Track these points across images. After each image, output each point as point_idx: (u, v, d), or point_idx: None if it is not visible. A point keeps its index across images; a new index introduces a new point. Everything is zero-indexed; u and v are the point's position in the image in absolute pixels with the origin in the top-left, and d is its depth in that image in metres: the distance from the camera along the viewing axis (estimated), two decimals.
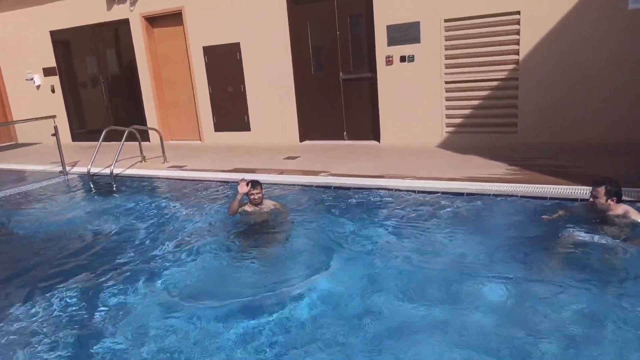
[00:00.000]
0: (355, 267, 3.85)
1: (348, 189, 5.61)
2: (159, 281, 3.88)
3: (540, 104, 6.82)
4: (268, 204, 4.96)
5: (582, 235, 3.84)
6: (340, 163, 6.91)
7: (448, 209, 4.80)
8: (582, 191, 4.63)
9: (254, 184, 4.82)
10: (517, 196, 4.79)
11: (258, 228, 4.70)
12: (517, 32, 6.74)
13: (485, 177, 5.49)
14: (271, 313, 3.24)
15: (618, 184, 3.97)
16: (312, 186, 5.87)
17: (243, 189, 4.70)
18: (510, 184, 5.09)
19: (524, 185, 5.01)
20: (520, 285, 3.36)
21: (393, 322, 3.08)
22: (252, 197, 4.80)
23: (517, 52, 6.81)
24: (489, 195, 4.91)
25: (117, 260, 4.32)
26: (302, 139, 8.85)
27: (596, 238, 3.78)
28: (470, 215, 4.64)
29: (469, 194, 5.02)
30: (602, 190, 3.92)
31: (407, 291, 3.43)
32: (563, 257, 3.68)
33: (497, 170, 5.71)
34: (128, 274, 4.03)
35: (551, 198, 4.64)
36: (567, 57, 6.53)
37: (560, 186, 4.86)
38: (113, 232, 5.12)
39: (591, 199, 4.02)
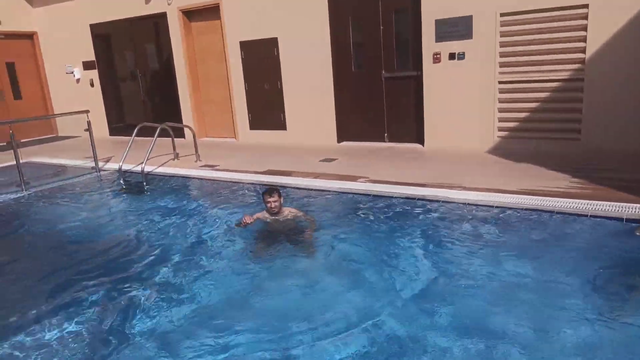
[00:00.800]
0: (388, 287, 3.42)
1: (389, 197, 5.12)
2: (177, 288, 3.61)
3: (608, 108, 6.09)
4: (288, 212, 4.54)
5: None
6: (380, 168, 6.40)
7: (503, 226, 4.23)
8: None
9: (271, 191, 4.44)
10: (587, 215, 4.16)
11: (276, 238, 4.30)
12: (584, 28, 6.03)
13: (546, 190, 4.86)
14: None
15: None
16: (349, 193, 5.41)
17: (247, 220, 4.39)
18: (577, 200, 4.45)
19: (594, 202, 4.36)
20: (595, 327, 2.79)
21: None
22: (268, 205, 4.41)
23: (583, 50, 6.09)
24: (553, 212, 4.29)
25: (134, 265, 4.07)
26: (340, 139, 8.39)
27: None
28: (529, 234, 4.05)
29: (527, 209, 4.42)
30: None
31: (456, 324, 2.93)
32: None
33: (560, 183, 5.07)
34: (145, 279, 3.81)
35: (628, 220, 3.99)
36: (638, 57, 5.79)
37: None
38: (135, 234, 4.86)
39: None
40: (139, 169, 6.98)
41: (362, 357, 2.70)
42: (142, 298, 3.51)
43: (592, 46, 6.03)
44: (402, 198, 5.05)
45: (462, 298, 3.23)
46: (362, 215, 4.82)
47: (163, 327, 3.14)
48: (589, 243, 3.82)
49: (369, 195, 5.25)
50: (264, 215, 4.52)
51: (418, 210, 4.79)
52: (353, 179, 5.90)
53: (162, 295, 3.53)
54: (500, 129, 6.88)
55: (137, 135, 7.32)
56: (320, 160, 7.12)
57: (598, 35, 5.96)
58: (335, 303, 3.27)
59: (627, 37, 5.81)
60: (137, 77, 10.84)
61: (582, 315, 2.90)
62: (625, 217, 4.02)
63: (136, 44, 10.65)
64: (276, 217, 4.47)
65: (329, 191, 5.55)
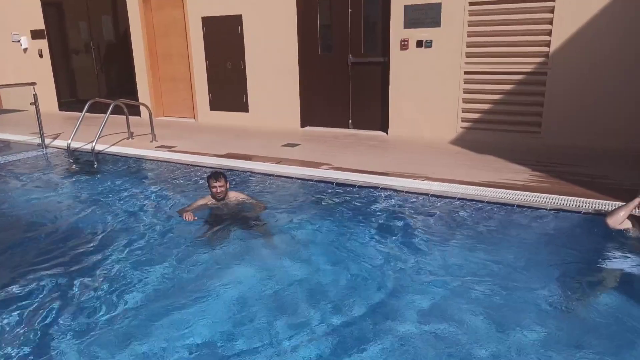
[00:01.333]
0: (338, 272, 3.39)
1: (351, 185, 5.00)
2: (123, 275, 3.42)
3: (569, 104, 6.18)
4: (235, 197, 4.38)
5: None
6: (344, 154, 6.28)
7: (464, 218, 4.21)
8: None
9: (217, 175, 4.26)
10: (546, 209, 4.18)
11: (223, 224, 4.13)
12: (550, 22, 6.05)
13: (507, 182, 4.88)
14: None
15: None
16: (312, 180, 5.26)
17: (187, 218, 4.16)
18: (537, 194, 4.47)
19: (553, 196, 4.40)
20: (553, 317, 2.81)
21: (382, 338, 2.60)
22: (214, 190, 4.22)
23: (547, 44, 6.13)
24: (514, 205, 4.30)
25: (78, 251, 3.82)
26: (303, 124, 8.20)
27: None
28: (490, 227, 4.04)
29: (489, 202, 4.41)
30: None
31: (414, 312, 2.90)
32: (607, 290, 3.09)
33: (520, 176, 5.10)
34: (91, 266, 3.56)
35: (586, 213, 4.04)
36: (604, 53, 5.87)
37: (599, 200, 4.24)
38: (82, 217, 4.55)
39: None
40: (89, 147, 6.58)
41: (318, 342, 2.63)
42: (86, 286, 3.27)
43: (557, 40, 6.07)
44: (365, 187, 4.95)
45: (420, 287, 3.19)
46: (323, 203, 4.70)
47: (108, 316, 2.93)
48: (548, 236, 3.84)
49: (331, 182, 5.12)
50: (208, 200, 4.32)
51: (380, 199, 4.71)
52: (316, 165, 5.76)
53: (108, 283, 3.30)
54: (464, 120, 6.89)
55: (89, 111, 6.90)
56: (283, 145, 6.92)
57: (562, 30, 6.00)
58: (287, 290, 3.18)
59: (591, 33, 5.87)
60: (91, 50, 10.22)
61: (540, 306, 2.91)
62: (582, 211, 4.07)
63: (91, 14, 10.01)
64: (222, 202, 4.29)
65: (291, 177, 5.38)
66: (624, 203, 3.59)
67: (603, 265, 3.33)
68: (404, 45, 6.98)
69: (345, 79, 7.72)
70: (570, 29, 5.95)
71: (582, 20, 5.88)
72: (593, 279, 3.22)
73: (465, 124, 6.89)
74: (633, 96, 5.83)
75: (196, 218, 4.19)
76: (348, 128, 7.90)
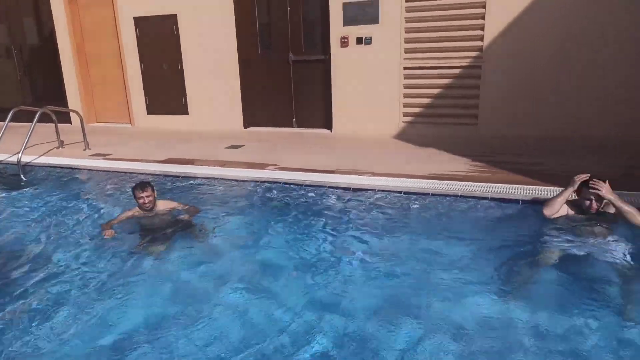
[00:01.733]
0: (283, 271, 3.36)
1: (299, 185, 4.94)
2: (52, 295, 3.19)
3: (502, 95, 6.43)
4: (164, 205, 4.21)
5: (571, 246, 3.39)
6: (289, 154, 6.20)
7: (410, 211, 4.28)
8: (550, 192, 4.19)
9: (142, 185, 4.06)
10: (487, 198, 4.30)
11: (154, 235, 3.94)
12: (483, 17, 6.26)
13: (450, 174, 4.99)
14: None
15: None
16: (258, 182, 5.14)
17: (107, 235, 3.93)
18: (478, 184, 4.60)
19: (493, 185, 4.54)
20: (494, 301, 2.91)
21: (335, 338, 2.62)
22: (140, 201, 4.01)
23: (481, 38, 6.34)
24: (457, 196, 4.40)
25: (2, 271, 3.49)
26: (246, 125, 8.04)
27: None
28: (435, 217, 4.13)
29: (434, 194, 4.49)
30: (607, 186, 3.36)
31: (354, 306, 2.93)
32: (546, 272, 3.21)
33: (461, 167, 5.23)
34: (17, 286, 3.29)
35: (524, 201, 4.19)
36: (533, 46, 6.14)
37: (537, 187, 4.42)
38: (7, 234, 4.19)
39: (592, 201, 3.44)
40: (14, 159, 6.10)
41: (263, 342, 2.61)
42: (12, 308, 3.00)
43: (489, 35, 6.29)
44: (313, 185, 4.90)
45: (370, 281, 3.21)
46: (271, 204, 4.61)
47: (34, 340, 2.70)
48: (491, 223, 3.96)
49: (278, 182, 5.02)
50: (135, 211, 4.11)
51: (327, 197, 4.67)
52: (261, 166, 5.64)
53: (35, 305, 3.05)
54: (406, 114, 7.00)
55: (13, 120, 6.38)
56: (227, 147, 6.74)
57: (494, 25, 6.22)
58: (229, 293, 3.12)
59: (520, 27, 6.12)
60: (13, 54, 9.51)
61: (484, 292, 3.00)
62: (521, 199, 4.22)
63: (11, 15, 9.31)
64: (151, 213, 4.09)
65: (236, 180, 5.24)
66: (561, 188, 3.74)
67: (542, 249, 3.44)
68: (344, 42, 6.99)
69: (287, 78, 7.63)
70: (501, 23, 6.19)
71: (512, 15, 6.12)
72: (534, 263, 3.32)
73: (407, 119, 7.01)
74: (561, 87, 6.15)
75: (115, 234, 3.92)
76: (292, 127, 7.82)
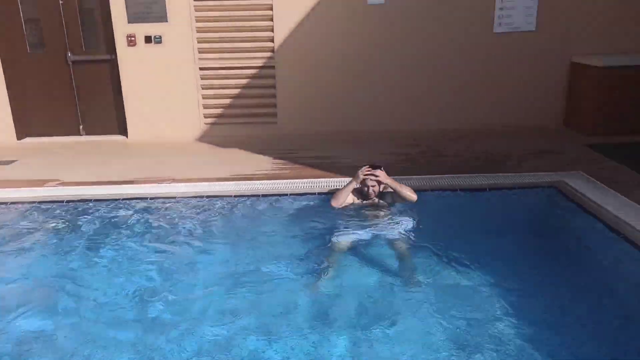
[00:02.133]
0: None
1: (86, 201, 4.39)
2: None
3: (297, 94, 6.74)
4: None
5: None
6: (77, 166, 5.49)
7: (213, 215, 4.18)
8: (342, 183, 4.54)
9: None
10: (287, 194, 4.46)
11: None
12: (271, 18, 6.46)
13: (252, 174, 5.02)
14: None
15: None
16: (34, 202, 4.40)
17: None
18: (278, 181, 4.74)
19: (292, 181, 4.72)
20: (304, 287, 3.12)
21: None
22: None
23: (272, 39, 6.54)
24: (259, 195, 4.45)
25: None
26: (21, 135, 6.85)
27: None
28: (239, 220, 4.14)
29: (237, 196, 4.46)
30: (383, 172, 3.80)
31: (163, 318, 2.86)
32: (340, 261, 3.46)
33: (264, 166, 5.33)
34: None
35: (320, 193, 4.46)
36: (321, 47, 6.56)
37: (329, 179, 4.72)
38: None
39: (370, 187, 3.83)
40: None
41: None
42: None
43: (279, 36, 6.52)
44: (104, 200, 4.40)
45: (175, 293, 3.11)
46: (50, 227, 3.99)
47: None
48: (291, 219, 4.11)
49: (59, 202, 4.38)
50: None
51: (123, 210, 4.26)
52: (40, 183, 4.85)
53: None
54: (207, 116, 6.83)
55: None
56: None
57: (282, 26, 6.46)
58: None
59: (306, 28, 6.47)
60: None
61: (295, 283, 3.17)
62: (317, 192, 4.48)
63: None
64: None
65: (4, 203, 4.40)
66: (350, 179, 4.05)
67: (336, 236, 3.69)
68: (130, 41, 6.46)
69: (67, 80, 6.73)
70: (289, 25, 6.46)
71: (297, 17, 6.43)
72: (331, 249, 3.55)
73: (209, 120, 6.85)
74: (349, 85, 6.71)
75: None
76: (80, 135, 6.94)
